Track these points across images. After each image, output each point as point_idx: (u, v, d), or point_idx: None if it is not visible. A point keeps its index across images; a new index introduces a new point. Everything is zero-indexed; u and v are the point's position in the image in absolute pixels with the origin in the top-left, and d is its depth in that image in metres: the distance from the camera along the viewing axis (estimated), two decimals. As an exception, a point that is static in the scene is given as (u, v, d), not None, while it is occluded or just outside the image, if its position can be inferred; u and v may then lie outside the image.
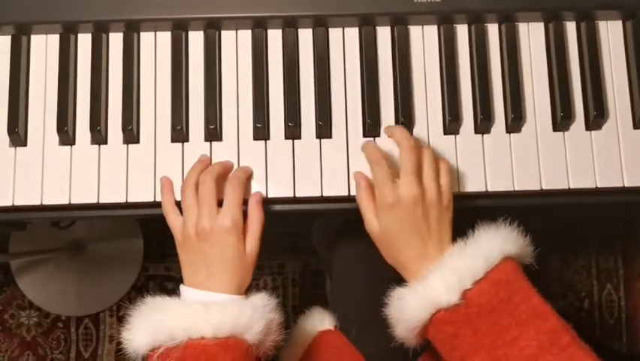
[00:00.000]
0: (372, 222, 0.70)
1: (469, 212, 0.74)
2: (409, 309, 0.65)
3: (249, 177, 0.74)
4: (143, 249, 1.56)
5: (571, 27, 0.79)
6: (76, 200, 0.73)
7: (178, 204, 0.72)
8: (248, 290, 0.70)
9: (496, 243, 0.65)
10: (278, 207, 0.76)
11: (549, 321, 0.62)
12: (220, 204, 0.70)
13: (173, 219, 0.71)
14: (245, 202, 0.72)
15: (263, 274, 1.57)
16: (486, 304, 0.63)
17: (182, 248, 0.70)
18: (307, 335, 0.87)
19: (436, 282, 0.64)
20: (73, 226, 1.55)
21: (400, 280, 1.02)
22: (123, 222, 1.54)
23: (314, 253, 1.19)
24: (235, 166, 0.75)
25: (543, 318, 0.62)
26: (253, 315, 0.65)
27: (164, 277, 1.58)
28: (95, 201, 0.73)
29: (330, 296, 1.02)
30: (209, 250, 0.68)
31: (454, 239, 0.68)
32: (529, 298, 0.63)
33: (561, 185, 0.75)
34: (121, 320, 1.55)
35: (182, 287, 0.70)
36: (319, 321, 0.89)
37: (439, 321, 0.64)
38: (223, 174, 0.73)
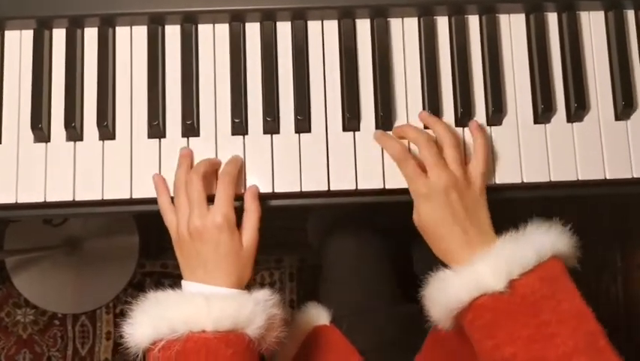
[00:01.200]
0: (414, 216, 0.71)
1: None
2: (452, 291, 0.66)
3: (240, 169, 0.74)
4: (139, 245, 1.57)
5: (552, 18, 0.78)
6: (52, 198, 0.72)
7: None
8: (250, 286, 0.70)
9: (548, 239, 0.66)
10: (266, 202, 0.75)
11: (589, 323, 0.62)
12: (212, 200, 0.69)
13: (170, 218, 0.71)
14: (240, 197, 0.71)
15: (260, 269, 1.57)
16: (530, 297, 0.63)
17: (178, 247, 0.70)
18: (303, 329, 0.88)
19: (484, 267, 0.64)
20: (69, 223, 1.55)
21: (387, 275, 1.02)
22: (118, 218, 1.55)
23: (311, 248, 1.19)
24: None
25: (583, 319, 0.63)
26: (254, 309, 0.65)
27: (160, 274, 1.58)
28: (70, 198, 0.72)
29: (321, 289, 1.02)
30: (204, 249, 0.68)
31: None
32: (572, 298, 0.64)
33: (542, 178, 0.74)
34: (117, 317, 1.56)
35: (183, 282, 0.70)
36: (315, 316, 0.89)
37: (479, 306, 0.64)
38: (211, 170, 0.73)
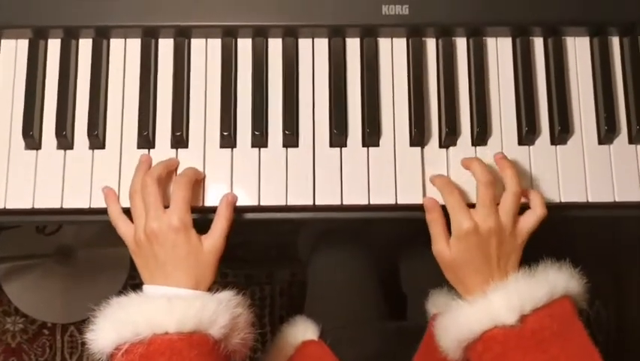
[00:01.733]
0: (443, 248, 0.70)
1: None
2: (464, 320, 0.66)
3: (198, 177, 0.74)
4: (130, 257, 1.56)
5: (538, 42, 0.80)
6: (40, 204, 0.73)
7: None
8: (212, 290, 0.69)
9: (562, 278, 0.68)
10: (248, 215, 0.76)
11: None
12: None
13: (123, 228, 0.71)
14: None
15: (251, 284, 1.57)
16: (539, 333, 0.64)
17: (136, 255, 0.71)
18: (290, 344, 0.88)
19: (498, 300, 0.65)
20: (61, 232, 1.55)
21: (374, 291, 1.03)
22: (110, 228, 1.55)
23: (301, 263, 1.20)
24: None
25: (590, 357, 0.64)
26: (217, 309, 0.65)
27: (149, 285, 1.58)
28: (58, 205, 0.73)
29: (307, 304, 1.03)
30: (161, 251, 0.68)
31: None
32: (580, 337, 0.65)
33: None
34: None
35: (144, 286, 0.70)
36: (302, 331, 0.89)
37: (490, 338, 0.65)
38: (167, 174, 0.73)
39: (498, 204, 0.70)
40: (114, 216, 0.72)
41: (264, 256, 1.57)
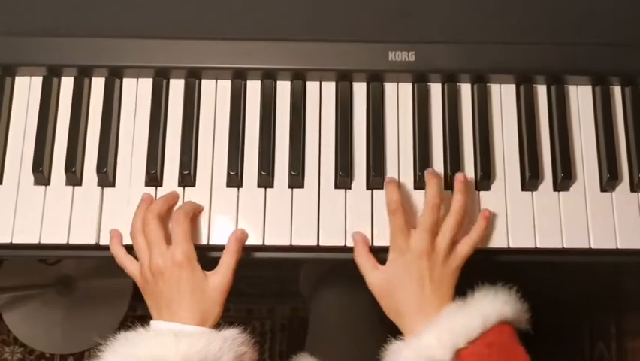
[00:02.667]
0: (373, 273, 0.72)
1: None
2: None
3: (197, 210, 0.75)
4: (132, 288, 1.56)
5: (542, 90, 0.81)
6: (46, 240, 0.74)
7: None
8: (218, 326, 0.69)
9: (494, 306, 0.67)
10: (252, 254, 0.77)
11: None
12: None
13: (130, 266, 0.72)
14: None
15: (252, 319, 1.56)
16: None
17: (145, 292, 0.71)
18: None
19: (430, 339, 0.65)
20: (63, 262, 1.55)
21: (373, 333, 1.03)
22: (111, 260, 1.55)
23: (303, 298, 1.19)
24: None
25: None
26: (222, 347, 0.65)
27: (151, 318, 1.57)
28: (64, 241, 0.74)
29: (307, 341, 1.03)
30: (167, 287, 0.68)
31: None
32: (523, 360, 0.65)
33: (528, 244, 0.75)
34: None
35: (152, 322, 0.70)
36: None
37: None
38: (168, 210, 0.74)
39: None
40: (120, 258, 0.73)
41: (265, 290, 1.57)
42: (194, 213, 0.75)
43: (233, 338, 0.67)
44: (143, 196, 0.75)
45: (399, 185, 0.75)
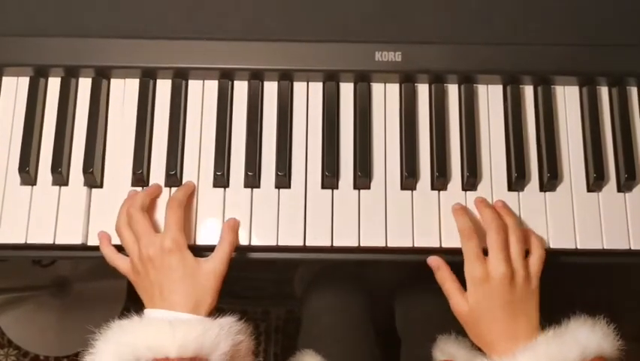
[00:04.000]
0: (459, 301, 0.70)
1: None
2: None
3: (188, 192, 0.75)
4: (126, 290, 1.56)
5: (529, 90, 0.81)
6: (33, 240, 0.74)
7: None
8: (213, 315, 0.69)
9: (594, 339, 0.66)
10: (238, 255, 0.76)
11: None
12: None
13: (122, 264, 0.72)
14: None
15: (246, 321, 1.56)
16: None
17: (136, 284, 0.71)
18: None
19: None
20: (57, 264, 1.55)
21: (366, 334, 1.02)
22: (104, 262, 1.55)
23: (297, 300, 1.19)
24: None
25: None
26: (219, 334, 0.65)
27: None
28: (50, 241, 0.74)
29: (300, 342, 1.03)
30: (158, 275, 0.68)
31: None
32: None
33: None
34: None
35: (145, 310, 0.69)
36: None
37: None
38: (151, 202, 0.74)
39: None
40: (110, 258, 0.73)
41: (260, 292, 1.57)
42: (188, 200, 0.74)
43: (229, 325, 0.66)
44: (129, 193, 0.75)
45: (468, 211, 0.74)
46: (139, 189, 0.76)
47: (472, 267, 0.69)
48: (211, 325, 0.65)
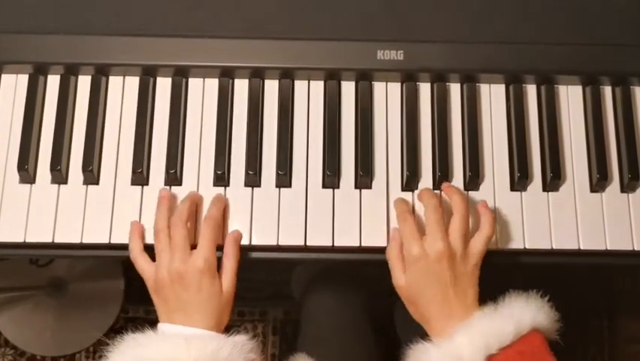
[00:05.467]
0: (399, 277, 0.71)
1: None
2: None
3: (225, 213, 0.75)
4: (123, 290, 1.56)
5: (532, 89, 0.81)
6: (32, 238, 0.73)
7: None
8: (227, 330, 0.69)
9: (528, 312, 0.66)
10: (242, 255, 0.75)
11: None
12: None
13: (143, 265, 0.71)
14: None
15: (244, 321, 1.56)
16: None
17: (156, 293, 0.70)
18: None
19: (462, 342, 0.64)
20: (54, 264, 1.55)
21: (366, 335, 1.02)
22: (103, 262, 1.54)
23: (295, 300, 1.19)
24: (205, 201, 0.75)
25: None
26: (232, 352, 0.65)
27: (143, 320, 1.56)
28: (49, 240, 0.73)
29: (298, 344, 1.02)
30: (185, 293, 0.68)
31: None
32: None
33: (517, 245, 0.75)
34: (97, 361, 1.54)
35: (159, 324, 0.69)
36: None
37: None
38: (191, 213, 0.73)
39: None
40: (135, 252, 0.72)
41: (258, 293, 1.56)
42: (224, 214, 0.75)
43: (242, 343, 0.67)
44: (161, 193, 0.74)
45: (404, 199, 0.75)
46: (138, 188, 0.76)
47: (409, 245, 0.69)
48: (225, 342, 0.66)
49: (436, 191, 0.76)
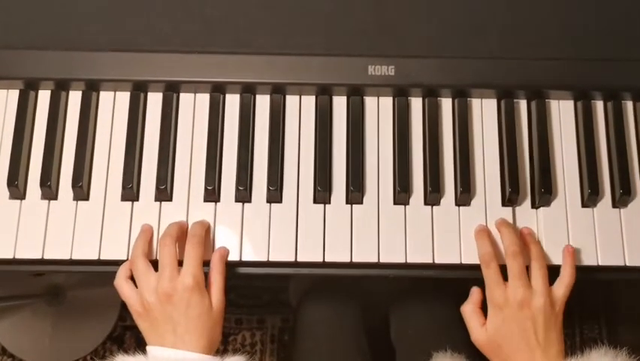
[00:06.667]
0: (478, 331, 0.71)
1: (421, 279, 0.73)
2: None
3: (208, 232, 0.74)
4: (121, 298, 1.56)
5: (523, 104, 0.81)
6: (21, 255, 0.73)
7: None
8: (218, 352, 0.69)
9: None
10: (233, 270, 0.76)
11: None
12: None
13: (128, 292, 0.70)
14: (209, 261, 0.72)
15: (242, 329, 1.56)
16: None
17: (143, 318, 0.69)
18: None
19: None
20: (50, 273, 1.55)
21: (361, 347, 1.02)
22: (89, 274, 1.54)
23: (293, 309, 1.18)
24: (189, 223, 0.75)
25: None
26: None
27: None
28: (39, 256, 0.73)
29: (293, 354, 1.02)
30: (175, 312, 0.67)
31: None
32: None
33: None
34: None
35: (149, 348, 0.68)
36: None
37: None
38: (181, 235, 0.73)
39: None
40: (121, 279, 0.71)
41: (255, 301, 1.56)
42: (206, 235, 0.74)
43: None
44: (143, 227, 0.74)
45: (489, 234, 0.75)
46: (129, 204, 0.75)
47: (491, 293, 0.70)
48: None
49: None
